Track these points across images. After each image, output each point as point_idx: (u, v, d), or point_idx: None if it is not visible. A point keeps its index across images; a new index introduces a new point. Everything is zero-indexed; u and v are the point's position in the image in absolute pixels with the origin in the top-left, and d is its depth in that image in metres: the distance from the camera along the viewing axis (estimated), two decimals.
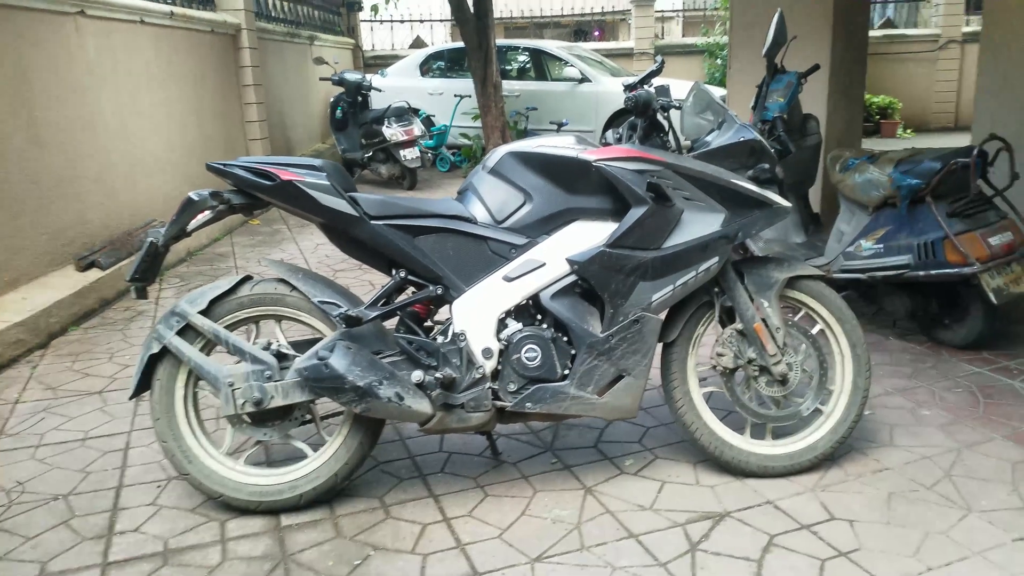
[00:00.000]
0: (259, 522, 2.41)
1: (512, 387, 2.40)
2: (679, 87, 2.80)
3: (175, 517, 2.45)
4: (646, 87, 2.62)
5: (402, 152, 8.46)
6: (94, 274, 4.73)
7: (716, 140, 2.54)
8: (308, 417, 2.49)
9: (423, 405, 2.34)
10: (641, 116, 2.57)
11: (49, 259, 4.61)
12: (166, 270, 5.49)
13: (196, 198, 2.33)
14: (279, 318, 2.47)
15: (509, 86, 10.11)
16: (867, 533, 2.25)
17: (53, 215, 4.67)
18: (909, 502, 2.41)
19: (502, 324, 2.41)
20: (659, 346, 2.51)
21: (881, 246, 3.58)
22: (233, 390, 2.34)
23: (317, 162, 2.40)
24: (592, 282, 2.38)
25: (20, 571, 2.21)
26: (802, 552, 2.18)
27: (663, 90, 2.62)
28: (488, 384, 2.39)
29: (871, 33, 8.02)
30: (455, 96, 10.20)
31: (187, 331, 2.38)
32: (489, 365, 2.39)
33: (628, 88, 2.64)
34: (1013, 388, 3.21)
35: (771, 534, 2.27)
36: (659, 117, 2.57)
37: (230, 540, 2.33)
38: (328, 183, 2.33)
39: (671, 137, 2.61)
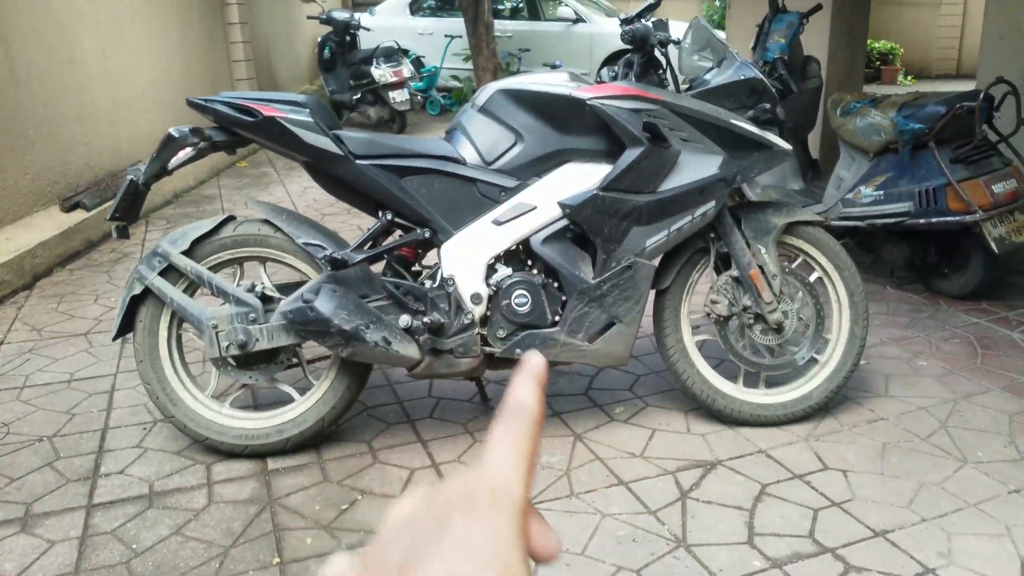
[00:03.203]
0: (245, 465, 2.39)
1: (501, 333, 2.35)
2: (676, 28, 2.69)
3: (160, 460, 2.43)
4: (644, 21, 2.52)
5: (391, 94, 8.25)
6: (79, 215, 4.64)
7: (715, 78, 2.45)
8: (294, 361, 2.45)
9: (411, 350, 2.29)
10: (638, 51, 2.48)
11: (33, 200, 4.51)
12: (152, 212, 5.40)
13: (176, 134, 2.25)
14: (263, 260, 2.41)
15: (501, 26, 9.84)
16: (861, 483, 2.24)
17: (35, 155, 4.55)
18: (904, 453, 2.39)
19: (491, 269, 2.35)
20: (652, 293, 2.46)
21: (881, 193, 3.50)
22: (217, 332, 2.29)
23: (300, 98, 2.31)
24: (584, 227, 2.32)
25: (5, 511, 2.20)
26: (794, 501, 2.16)
27: (661, 24, 2.52)
28: (477, 330, 2.34)
29: None
30: (445, 36, 9.94)
31: (170, 272, 2.32)
32: (478, 310, 2.33)
33: (625, 22, 2.54)
34: (1011, 339, 3.18)
35: (763, 483, 2.25)
36: (656, 53, 2.48)
37: (216, 483, 2.31)
38: (312, 120, 2.24)
39: (669, 75, 2.51)
